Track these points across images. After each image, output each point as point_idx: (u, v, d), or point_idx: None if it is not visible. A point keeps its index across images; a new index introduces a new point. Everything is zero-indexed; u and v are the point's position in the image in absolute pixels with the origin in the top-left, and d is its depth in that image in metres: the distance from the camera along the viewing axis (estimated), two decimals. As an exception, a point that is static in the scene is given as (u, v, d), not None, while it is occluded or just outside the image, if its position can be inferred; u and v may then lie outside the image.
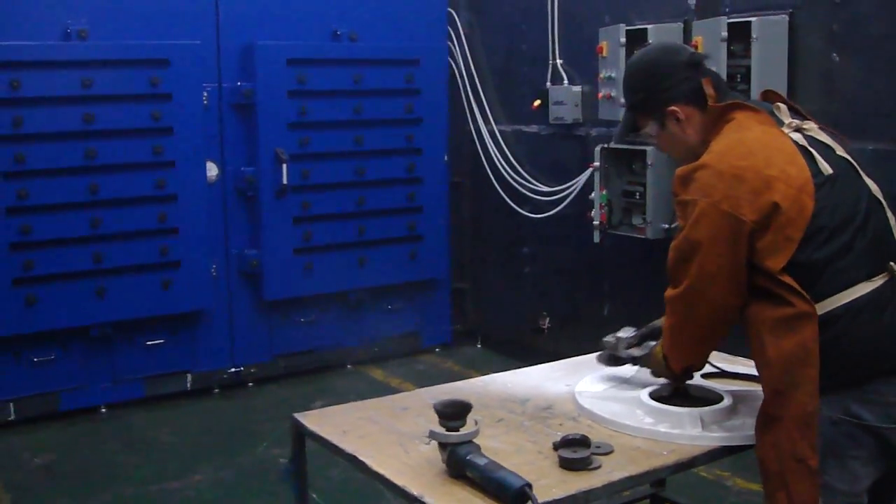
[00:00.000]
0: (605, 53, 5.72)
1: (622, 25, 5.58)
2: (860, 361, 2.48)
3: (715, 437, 2.82)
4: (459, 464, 2.53)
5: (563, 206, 6.57)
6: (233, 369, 6.59)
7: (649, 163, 5.59)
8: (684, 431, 2.84)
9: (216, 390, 6.54)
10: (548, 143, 6.82)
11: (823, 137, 2.70)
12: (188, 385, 6.42)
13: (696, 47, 5.16)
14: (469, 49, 7.35)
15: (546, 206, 6.76)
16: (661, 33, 5.54)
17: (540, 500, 2.35)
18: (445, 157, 7.20)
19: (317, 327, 6.86)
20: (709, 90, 2.76)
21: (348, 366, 7.04)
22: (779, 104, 2.78)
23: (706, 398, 3.03)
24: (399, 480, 2.57)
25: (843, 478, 2.52)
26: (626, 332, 3.19)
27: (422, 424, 2.97)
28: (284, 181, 6.35)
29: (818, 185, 2.53)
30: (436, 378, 6.60)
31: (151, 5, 6.01)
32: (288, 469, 3.18)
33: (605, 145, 5.87)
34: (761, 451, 2.61)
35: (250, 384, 6.66)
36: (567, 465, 2.60)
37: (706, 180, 2.57)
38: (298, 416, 3.16)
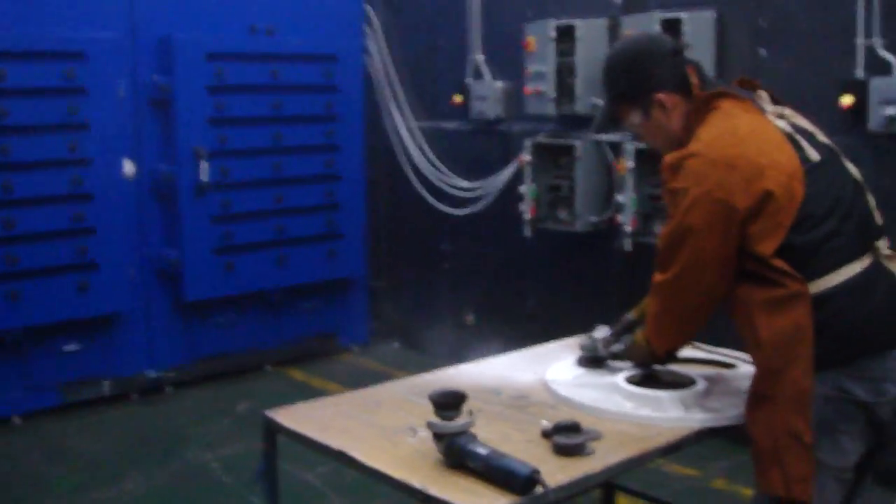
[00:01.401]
0: (532, 48, 5.77)
1: (552, 20, 5.63)
2: (851, 339, 2.55)
3: (699, 419, 2.85)
4: (459, 454, 2.49)
5: (484, 201, 6.59)
6: (151, 374, 6.37)
7: (577, 156, 5.67)
8: (667, 414, 2.87)
9: (134, 395, 6.31)
10: (468, 140, 6.83)
11: (805, 123, 2.78)
12: (106, 391, 6.18)
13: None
14: (386, 46, 7.30)
15: (466, 203, 6.78)
16: (589, 29, 5.62)
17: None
18: (362, 154, 7.13)
19: (235, 329, 6.71)
20: (693, 78, 2.79)
21: (267, 367, 6.90)
22: (759, 92, 2.83)
23: (678, 382, 3.07)
24: (397, 474, 2.52)
25: (834, 453, 2.58)
26: (601, 332, 3.22)
27: (402, 418, 2.93)
28: (204, 178, 6.18)
29: (807, 172, 2.60)
30: (359, 377, 6.51)
31: (65, -5, 5.77)
32: (259, 470, 3.07)
33: (534, 140, 5.92)
34: (754, 429, 2.65)
35: (168, 388, 6.46)
36: (563, 451, 2.59)
37: (698, 168, 2.59)
38: (270, 413, 3.06)
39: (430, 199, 7.00)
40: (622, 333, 3.16)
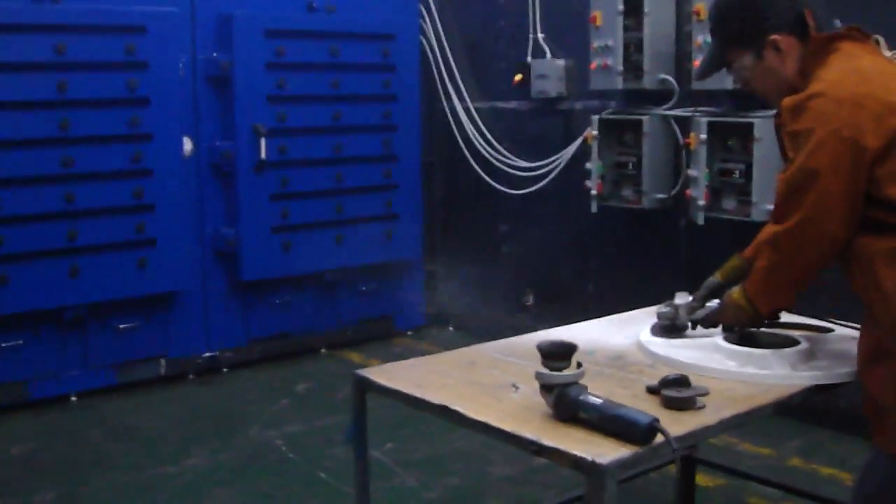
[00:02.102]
0: (598, 23, 5.66)
1: (619, -8, 5.53)
2: None
3: (807, 376, 2.75)
4: (571, 405, 2.39)
5: (546, 181, 6.49)
6: (207, 354, 6.31)
7: (645, 132, 5.55)
8: (773, 371, 2.76)
9: (191, 376, 6.25)
10: (528, 119, 6.73)
11: None
12: (162, 371, 6.12)
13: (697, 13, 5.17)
14: (442, 26, 7.22)
15: (525, 183, 6.67)
16: (657, 3, 5.52)
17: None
18: (419, 135, 7.05)
19: (291, 309, 6.63)
20: (810, 21, 2.67)
21: (322, 350, 6.82)
22: (876, 37, 2.72)
23: (778, 343, 2.96)
24: (506, 426, 2.43)
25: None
26: (681, 299, 3.05)
27: (497, 376, 2.85)
28: (263, 156, 6.11)
29: None
30: (417, 360, 6.46)
31: (125, -30, 5.73)
32: (350, 430, 2.98)
33: (600, 115, 5.81)
34: (872, 386, 2.55)
35: (225, 369, 6.39)
36: (674, 404, 2.48)
37: (824, 108, 2.47)
38: (361, 372, 2.96)
39: (488, 180, 6.90)
40: (707, 298, 2.98)
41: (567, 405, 2.40)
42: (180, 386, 6.14)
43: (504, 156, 6.84)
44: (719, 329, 2.97)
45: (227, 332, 6.38)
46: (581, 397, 2.39)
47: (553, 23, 6.48)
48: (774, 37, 2.66)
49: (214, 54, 6.07)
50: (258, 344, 6.54)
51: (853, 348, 2.73)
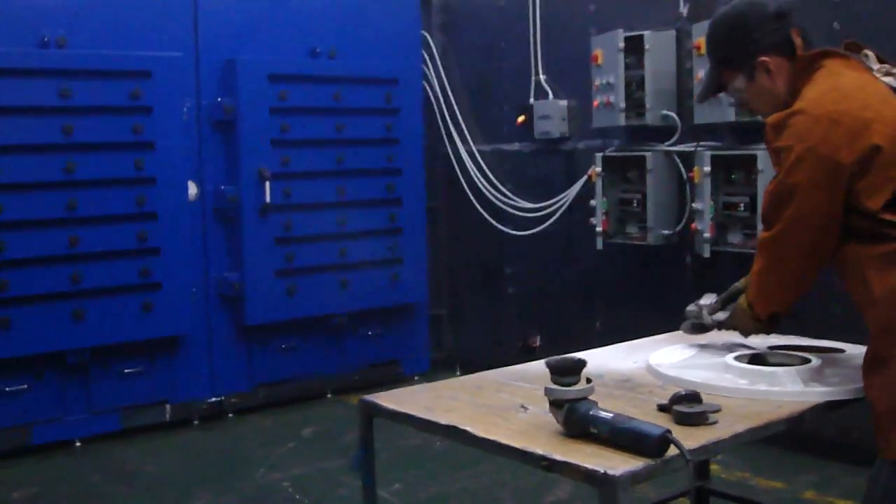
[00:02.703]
0: (599, 61, 5.70)
1: (620, 31, 5.57)
2: None
3: (818, 392, 2.72)
4: (581, 420, 2.35)
5: (550, 221, 6.49)
6: (213, 399, 6.26)
7: (649, 168, 5.56)
8: (785, 388, 2.74)
9: (195, 421, 6.19)
10: (531, 160, 6.76)
11: None
12: (167, 416, 6.07)
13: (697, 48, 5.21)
14: (444, 70, 7.29)
15: (530, 224, 6.68)
16: (658, 40, 5.57)
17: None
18: (423, 179, 7.07)
19: (297, 354, 6.59)
20: (796, 40, 2.75)
21: (329, 395, 6.77)
22: (866, 51, 2.76)
23: (789, 363, 2.94)
24: (516, 443, 2.39)
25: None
26: (707, 299, 3.16)
27: (505, 399, 2.81)
28: (267, 199, 6.12)
29: None
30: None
31: (129, 16, 5.80)
32: (357, 457, 2.93)
33: (604, 153, 5.83)
34: (871, 393, 2.57)
35: (230, 415, 6.33)
36: (686, 420, 2.45)
37: (802, 125, 2.55)
38: (369, 397, 2.93)
39: (493, 222, 6.92)
40: (728, 301, 3.08)
41: (577, 420, 2.37)
42: (185, 431, 6.08)
43: (508, 197, 6.85)
44: (737, 334, 3.05)
45: (232, 377, 6.33)
46: (591, 412, 2.36)
47: (555, 64, 6.54)
48: (763, 58, 2.73)
49: (219, 99, 6.12)
50: (263, 389, 6.49)
51: (865, 365, 2.73)
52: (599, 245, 5.80)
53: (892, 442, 2.50)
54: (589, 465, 2.17)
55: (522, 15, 6.64)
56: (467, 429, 2.52)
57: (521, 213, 6.75)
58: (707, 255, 5.13)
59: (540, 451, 2.29)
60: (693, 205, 5.32)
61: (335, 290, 6.58)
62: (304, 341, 6.62)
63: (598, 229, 5.76)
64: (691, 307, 3.16)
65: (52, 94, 5.42)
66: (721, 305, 3.09)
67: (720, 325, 3.08)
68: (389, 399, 2.92)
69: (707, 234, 5.12)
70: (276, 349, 6.49)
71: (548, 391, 2.43)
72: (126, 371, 5.85)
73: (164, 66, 5.78)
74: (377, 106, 6.71)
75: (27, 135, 5.37)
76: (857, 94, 2.57)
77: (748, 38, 2.74)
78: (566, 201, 6.38)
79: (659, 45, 5.58)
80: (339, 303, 6.61)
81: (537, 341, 6.72)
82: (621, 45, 5.55)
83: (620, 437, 2.27)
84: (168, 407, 6.07)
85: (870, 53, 2.76)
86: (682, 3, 5.62)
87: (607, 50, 5.65)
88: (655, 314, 5.71)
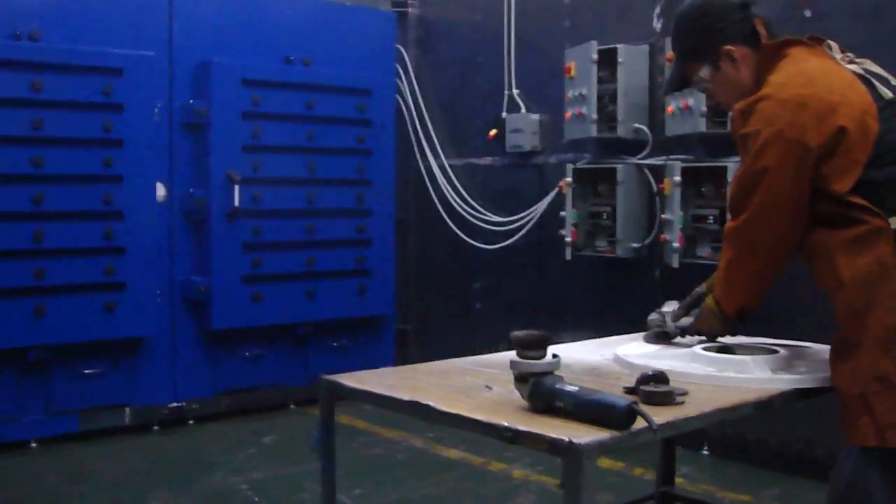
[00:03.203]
0: (573, 73, 5.74)
1: (594, 43, 5.61)
2: None
3: (787, 380, 2.71)
4: (547, 394, 2.33)
5: (520, 234, 6.49)
6: (174, 404, 6.16)
7: (619, 180, 5.58)
8: (753, 376, 2.72)
9: (155, 427, 6.08)
10: (503, 174, 6.77)
11: (877, 69, 2.74)
12: (126, 419, 5.96)
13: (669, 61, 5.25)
14: (417, 85, 7.31)
15: (499, 238, 6.67)
16: (631, 53, 5.62)
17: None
18: (393, 191, 7.05)
19: (261, 362, 6.51)
20: (761, 30, 2.79)
21: (291, 406, 6.68)
22: (829, 42, 2.80)
23: (757, 355, 2.93)
24: (480, 416, 2.35)
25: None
26: (670, 306, 3.14)
27: (470, 381, 2.79)
28: (237, 203, 6.07)
29: (880, 109, 2.57)
30: (389, 418, 6.33)
31: (104, 13, 5.76)
32: (317, 439, 2.89)
33: (576, 165, 5.84)
34: (839, 380, 2.57)
35: (191, 421, 6.23)
36: (652, 399, 2.42)
37: (768, 110, 2.57)
38: (329, 377, 2.90)
39: (463, 236, 6.91)
40: (692, 307, 3.05)
41: (542, 394, 2.34)
42: (144, 436, 5.97)
43: (478, 212, 6.85)
44: (702, 338, 3.00)
45: (194, 383, 6.24)
46: (557, 385, 2.33)
47: (528, 79, 6.58)
48: (728, 47, 2.76)
49: (191, 101, 6.08)
50: (225, 396, 6.40)
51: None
52: (568, 255, 5.80)
53: (861, 427, 2.49)
54: (553, 434, 2.14)
55: (497, 30, 6.68)
56: (430, 403, 2.49)
57: (490, 227, 6.75)
58: (676, 265, 5.14)
59: (504, 423, 2.26)
60: (663, 215, 5.34)
61: (302, 299, 6.51)
62: (269, 349, 6.54)
63: (568, 240, 5.76)
64: (653, 315, 3.14)
65: (24, 87, 5.35)
66: (685, 311, 3.06)
67: (685, 331, 3.05)
68: (351, 378, 2.90)
69: (676, 244, 5.14)
70: (240, 356, 6.41)
71: (513, 364, 2.41)
72: (86, 372, 5.74)
73: (137, 65, 5.73)
74: (350, 116, 6.69)
75: (-5, 126, 5.31)
76: (822, 79, 2.60)
77: (713, 27, 2.78)
78: (535, 215, 6.38)
79: (632, 59, 5.63)
80: (306, 312, 6.55)
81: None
82: (595, 56, 5.59)
83: (586, 409, 2.24)
84: (128, 410, 5.96)
85: (832, 44, 2.80)
86: (655, 19, 5.68)
87: (580, 62, 5.69)
88: (624, 326, 5.71)
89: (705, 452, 5.42)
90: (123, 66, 5.67)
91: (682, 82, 2.97)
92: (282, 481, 5.10)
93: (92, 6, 5.73)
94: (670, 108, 5.25)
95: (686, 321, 3.04)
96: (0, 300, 5.34)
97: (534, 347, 2.42)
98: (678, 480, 4.09)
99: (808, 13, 4.91)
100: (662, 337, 3.12)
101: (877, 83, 2.64)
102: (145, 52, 5.82)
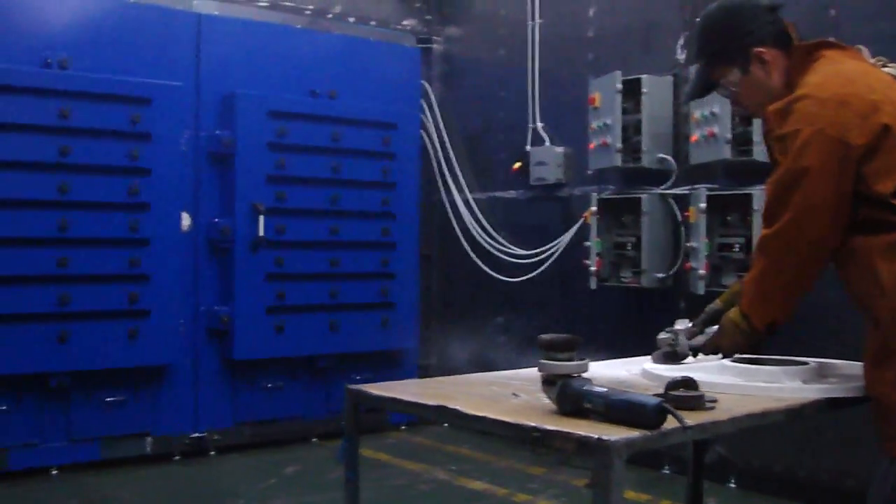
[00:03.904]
0: (597, 104, 5.75)
1: (618, 73, 5.63)
2: None
3: (818, 389, 2.65)
4: (575, 396, 2.29)
5: (543, 268, 6.47)
6: (195, 434, 6.13)
7: (644, 210, 5.56)
8: (784, 385, 2.67)
9: (176, 457, 6.05)
10: (526, 208, 6.77)
11: None
12: (147, 449, 5.94)
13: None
14: (442, 120, 7.35)
15: (524, 271, 6.65)
16: (655, 84, 5.63)
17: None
18: (417, 224, 7.05)
19: (282, 394, 6.48)
20: (792, 32, 2.72)
21: (313, 439, 6.63)
22: (859, 46, 2.75)
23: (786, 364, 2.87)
24: (507, 419, 2.31)
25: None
26: (682, 325, 2.98)
27: (496, 391, 2.75)
28: (261, 233, 6.09)
29: None
30: (410, 452, 6.29)
31: (133, 43, 5.86)
32: (342, 448, 2.85)
33: (601, 195, 5.84)
34: (881, 389, 2.48)
35: (212, 452, 6.19)
36: (682, 404, 2.35)
37: (808, 109, 2.49)
38: (354, 387, 2.86)
39: (486, 269, 6.90)
40: (707, 324, 2.90)
41: (570, 396, 2.30)
42: (165, 465, 5.93)
43: (502, 245, 6.84)
44: (719, 357, 2.87)
45: (215, 413, 6.22)
46: (585, 387, 2.30)
47: (552, 112, 6.60)
48: (759, 50, 2.69)
49: (217, 131, 6.14)
50: (247, 427, 6.37)
51: (862, 373, 2.62)
52: (593, 285, 5.76)
53: None
54: (582, 433, 2.10)
55: (521, 64, 6.72)
56: (457, 408, 2.46)
57: (514, 260, 6.73)
58: (701, 292, 5.09)
59: (532, 423, 2.22)
60: (688, 244, 5.30)
61: (324, 331, 6.50)
62: (291, 381, 6.52)
63: (593, 269, 5.72)
64: (663, 334, 2.98)
65: (52, 114, 5.44)
66: (701, 328, 2.91)
67: (700, 350, 2.90)
68: (376, 387, 2.86)
69: (702, 272, 5.10)
70: (261, 387, 6.39)
71: (541, 366, 2.38)
72: (108, 399, 5.74)
73: (165, 94, 5.81)
74: (374, 149, 6.73)
75: (24, 152, 5.38)
76: (861, 79, 2.54)
77: (743, 29, 2.71)
78: (560, 248, 6.37)
79: (656, 89, 5.64)
80: (328, 344, 6.54)
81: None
82: (619, 86, 5.60)
83: (616, 409, 2.20)
84: (149, 439, 5.95)
85: (863, 48, 2.74)
86: (679, 50, 5.70)
87: (605, 92, 5.70)
88: (648, 356, 5.69)
89: (732, 485, 5.32)
90: (151, 96, 5.75)
91: (706, 88, 2.86)
92: (306, 509, 5.06)
93: (121, 36, 5.82)
94: (694, 136, 5.24)
95: (701, 339, 2.90)
96: (24, 325, 5.36)
97: (561, 350, 2.39)
98: (704, 511, 4.02)
99: (832, 13, 4.89)
100: (672, 357, 2.97)
101: None
102: (173, 82, 5.89)
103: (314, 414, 6.64)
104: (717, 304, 2.90)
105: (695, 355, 2.93)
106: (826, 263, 2.59)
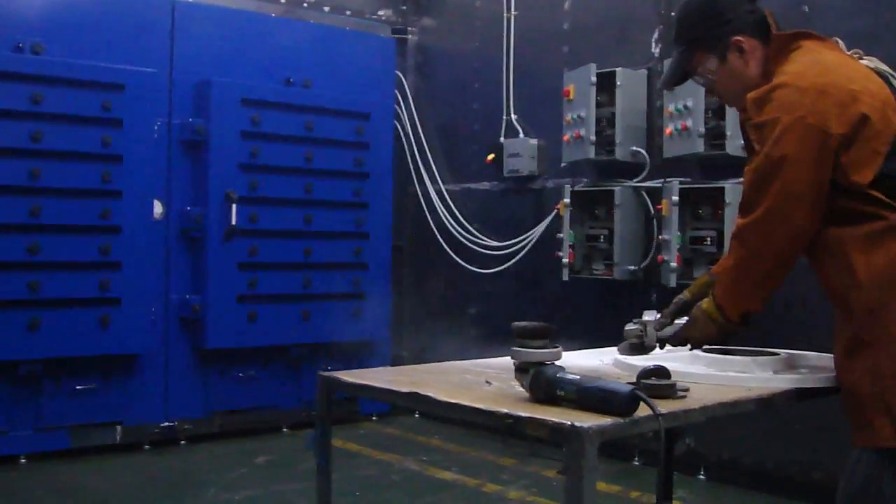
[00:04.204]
0: (571, 96, 5.76)
1: (593, 65, 5.65)
2: None
3: (789, 379, 2.69)
4: (548, 383, 2.30)
5: (515, 259, 6.49)
6: (165, 423, 6.10)
7: (617, 203, 5.59)
8: (755, 375, 2.70)
9: (146, 446, 6.02)
10: (500, 199, 6.78)
11: (886, 67, 2.71)
12: (118, 438, 5.90)
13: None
14: (416, 111, 7.34)
15: (496, 262, 6.66)
16: (629, 77, 5.66)
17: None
18: (390, 215, 7.05)
19: (254, 384, 6.46)
20: (771, 21, 2.73)
21: (284, 429, 6.62)
22: (836, 39, 2.77)
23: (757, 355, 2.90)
24: (480, 405, 2.32)
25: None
26: (650, 316, 2.93)
27: (469, 378, 2.76)
28: (234, 221, 6.06)
29: None
30: (383, 443, 6.30)
31: (107, 29, 5.80)
32: (312, 436, 2.85)
33: (574, 188, 5.86)
34: (851, 379, 2.49)
35: (183, 441, 6.17)
36: (654, 392, 2.36)
37: (788, 97, 2.49)
38: (326, 374, 2.86)
39: (458, 260, 6.91)
40: (676, 315, 2.86)
41: (543, 383, 2.31)
42: (135, 454, 5.90)
43: (475, 236, 6.85)
44: (688, 348, 2.86)
45: (186, 402, 6.19)
46: (558, 375, 2.31)
47: (526, 104, 6.61)
48: (737, 38, 2.69)
49: (190, 119, 6.10)
50: (218, 417, 6.34)
51: (832, 364, 2.66)
52: (566, 277, 5.78)
53: (878, 428, 2.42)
54: (555, 419, 2.11)
55: (496, 56, 6.72)
56: (430, 394, 2.46)
57: (487, 252, 6.75)
58: (673, 284, 5.12)
59: (504, 410, 2.23)
60: (660, 236, 5.33)
61: (297, 321, 6.49)
62: (263, 371, 6.50)
63: (565, 261, 5.74)
64: (631, 326, 2.93)
65: (24, 100, 5.38)
66: (670, 319, 2.87)
67: (668, 341, 2.86)
68: (349, 374, 2.86)
69: (674, 264, 5.13)
70: (233, 377, 6.36)
71: (514, 353, 2.39)
72: (78, 388, 5.70)
73: (138, 81, 5.76)
74: (348, 139, 6.71)
75: (-6, 138, 5.31)
76: (840, 69, 2.55)
77: (722, 17, 2.71)
78: (532, 239, 6.38)
79: (630, 83, 5.67)
80: (300, 334, 6.52)
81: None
82: (593, 78, 5.62)
83: (588, 397, 2.22)
84: (119, 428, 5.91)
85: (840, 41, 2.76)
86: (653, 44, 5.72)
87: (579, 84, 5.72)
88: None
89: (702, 477, 5.37)
90: (124, 82, 5.70)
91: (683, 75, 2.85)
92: (274, 499, 5.05)
93: (94, 22, 5.76)
94: (668, 129, 5.27)
95: (670, 330, 2.86)
96: (-6, 312, 5.31)
97: (535, 337, 2.40)
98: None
99: (805, 8, 4.93)
100: (638, 349, 2.93)
101: (892, 78, 2.62)
102: (146, 68, 5.85)
103: (286, 404, 6.63)
104: (685, 294, 2.87)
105: (662, 346, 2.90)
106: (799, 254, 2.59)
